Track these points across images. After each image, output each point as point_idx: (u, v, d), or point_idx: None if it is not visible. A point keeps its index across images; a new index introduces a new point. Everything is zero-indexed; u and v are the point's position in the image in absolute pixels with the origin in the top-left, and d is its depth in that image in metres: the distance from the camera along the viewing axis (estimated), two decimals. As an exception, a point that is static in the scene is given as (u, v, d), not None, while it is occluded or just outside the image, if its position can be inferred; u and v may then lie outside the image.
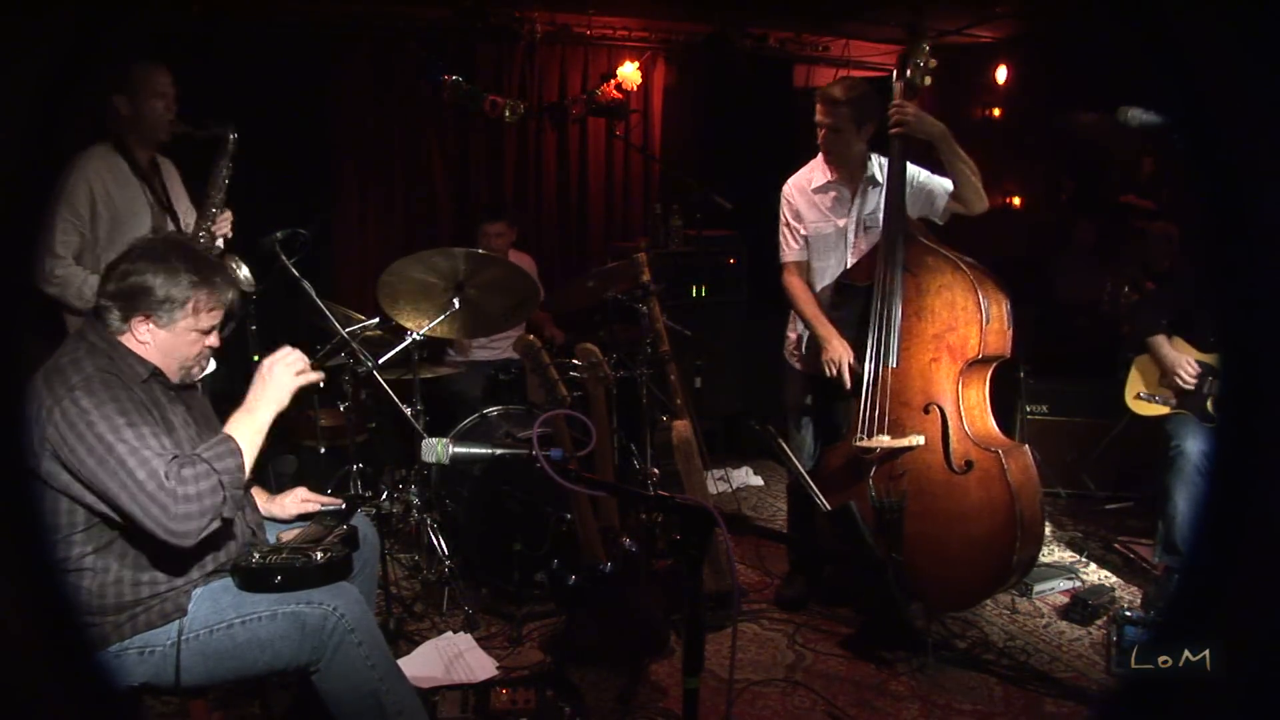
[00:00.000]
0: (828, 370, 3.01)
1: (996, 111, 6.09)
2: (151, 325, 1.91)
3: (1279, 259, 0.99)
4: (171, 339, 1.94)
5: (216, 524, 1.80)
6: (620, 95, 5.24)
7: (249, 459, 1.88)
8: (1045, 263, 5.52)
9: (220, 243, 2.97)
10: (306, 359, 2.02)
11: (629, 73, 5.22)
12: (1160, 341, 3.36)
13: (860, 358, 2.93)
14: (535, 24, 4.91)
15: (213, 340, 2.03)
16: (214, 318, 1.99)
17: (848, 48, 5.66)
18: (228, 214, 2.96)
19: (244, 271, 2.93)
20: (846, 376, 2.96)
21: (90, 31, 1.09)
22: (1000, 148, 6.06)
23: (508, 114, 4.95)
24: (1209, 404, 3.21)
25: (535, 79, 5.11)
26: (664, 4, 5.13)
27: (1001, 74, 5.94)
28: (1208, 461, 3.08)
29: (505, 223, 4.35)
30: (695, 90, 5.60)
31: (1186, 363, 3.26)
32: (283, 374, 1.97)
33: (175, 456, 1.78)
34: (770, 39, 5.46)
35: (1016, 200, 6.27)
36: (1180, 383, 3.26)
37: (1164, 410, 3.33)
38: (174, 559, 1.89)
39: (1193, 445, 3.11)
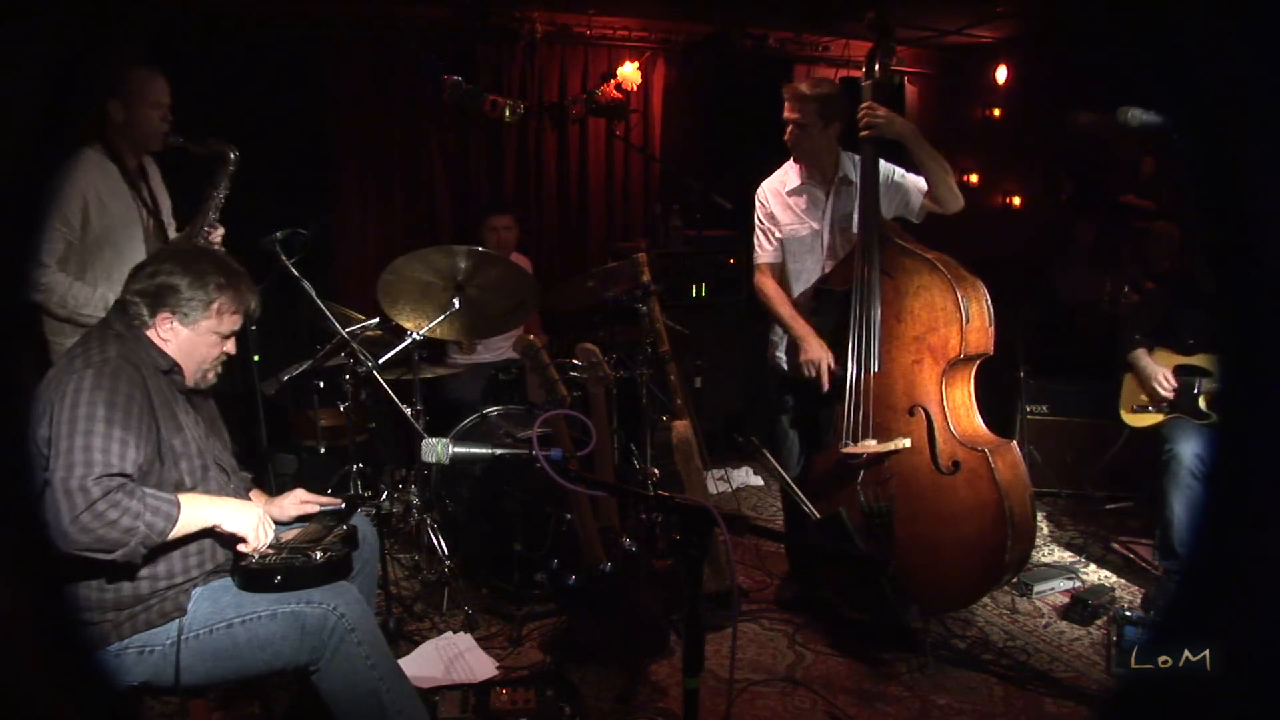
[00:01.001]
0: (805, 371, 2.99)
1: (996, 111, 6.10)
2: (175, 323, 1.96)
3: (1278, 259, 0.99)
4: (193, 338, 1.99)
5: (103, 556, 1.74)
6: (620, 95, 5.23)
7: (175, 533, 1.83)
8: (1045, 263, 5.52)
9: None
10: (268, 539, 2.01)
11: (629, 73, 5.22)
12: (1139, 356, 3.45)
13: (841, 362, 2.92)
14: (535, 24, 4.91)
15: (229, 347, 2.08)
16: (235, 322, 2.05)
17: (848, 48, 5.66)
18: (220, 230, 2.88)
19: None
20: (825, 378, 2.95)
21: (90, 33, 1.09)
22: (1000, 148, 6.07)
23: (508, 114, 4.95)
24: (1201, 402, 3.26)
25: (535, 79, 5.11)
26: (664, 4, 5.13)
27: (1001, 74, 5.94)
28: (1201, 463, 3.12)
29: (511, 216, 4.36)
30: (695, 90, 5.59)
31: (1163, 376, 3.34)
32: (255, 514, 1.98)
33: (126, 479, 1.76)
34: (770, 39, 5.46)
35: (1016, 200, 6.28)
36: (1159, 394, 3.32)
37: (1158, 418, 3.39)
38: (174, 558, 1.90)
39: (1186, 448, 3.15)
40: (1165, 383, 3.33)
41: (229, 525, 1.93)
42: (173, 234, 2.96)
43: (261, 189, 3.25)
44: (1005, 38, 5.77)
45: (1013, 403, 4.31)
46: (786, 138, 3.08)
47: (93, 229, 2.71)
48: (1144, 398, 3.44)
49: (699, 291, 4.97)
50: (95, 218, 2.71)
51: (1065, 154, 6.03)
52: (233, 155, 2.83)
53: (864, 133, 2.87)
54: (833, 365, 2.95)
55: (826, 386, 2.95)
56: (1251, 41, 0.96)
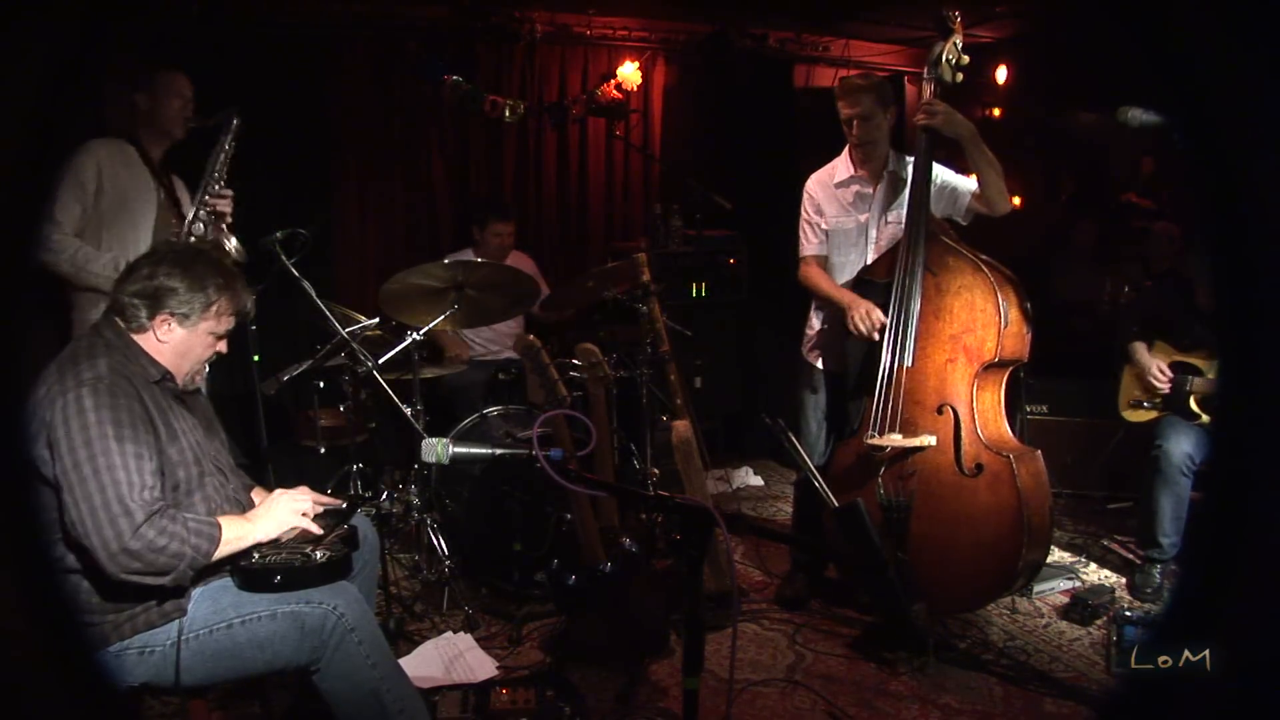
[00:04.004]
0: (855, 328, 2.93)
1: (996, 111, 6.09)
2: (173, 325, 1.97)
3: (1279, 259, 0.99)
4: (189, 339, 2.00)
5: (149, 580, 1.77)
6: (620, 95, 5.23)
7: (219, 555, 1.88)
8: (1045, 263, 5.52)
9: (225, 226, 2.98)
10: (314, 506, 2.10)
11: (629, 73, 5.22)
12: (1138, 348, 3.47)
13: (877, 354, 2.91)
14: (535, 24, 4.91)
15: (222, 347, 2.09)
16: (230, 323, 2.06)
17: (848, 48, 5.66)
18: (230, 192, 2.97)
19: (233, 242, 2.95)
20: (875, 331, 2.90)
21: (91, 32, 1.09)
22: (1000, 148, 6.06)
23: (508, 114, 4.95)
24: (1191, 402, 3.27)
25: (535, 79, 5.11)
26: (664, 4, 5.13)
27: (1001, 74, 5.94)
28: (1192, 461, 3.14)
29: (514, 224, 4.37)
30: (695, 90, 5.59)
31: (1158, 368, 3.36)
32: (285, 508, 2.04)
33: (163, 505, 1.80)
34: (770, 39, 5.46)
35: (1016, 200, 6.24)
36: (1154, 385, 3.33)
37: (1154, 415, 3.40)
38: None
39: (1175, 446, 3.18)
40: (1160, 375, 3.33)
41: (271, 534, 1.98)
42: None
43: (262, 189, 3.25)
44: (1005, 38, 5.76)
45: (1013, 403, 4.31)
46: (853, 136, 3.09)
47: (106, 194, 2.80)
48: (1139, 393, 3.45)
49: (699, 291, 4.97)
50: (108, 184, 2.80)
51: (1065, 154, 6.03)
52: (235, 120, 2.95)
53: (923, 125, 2.89)
54: (882, 319, 2.89)
55: (878, 336, 2.89)
56: (1251, 40, 0.96)
